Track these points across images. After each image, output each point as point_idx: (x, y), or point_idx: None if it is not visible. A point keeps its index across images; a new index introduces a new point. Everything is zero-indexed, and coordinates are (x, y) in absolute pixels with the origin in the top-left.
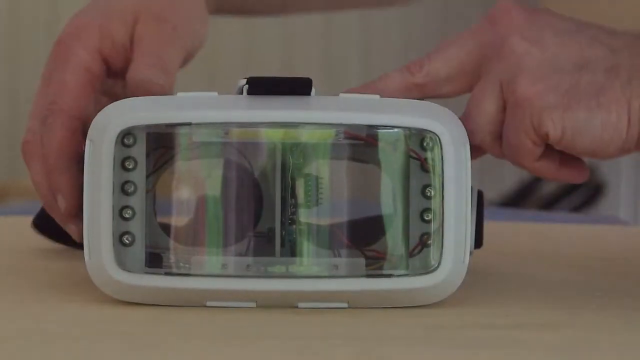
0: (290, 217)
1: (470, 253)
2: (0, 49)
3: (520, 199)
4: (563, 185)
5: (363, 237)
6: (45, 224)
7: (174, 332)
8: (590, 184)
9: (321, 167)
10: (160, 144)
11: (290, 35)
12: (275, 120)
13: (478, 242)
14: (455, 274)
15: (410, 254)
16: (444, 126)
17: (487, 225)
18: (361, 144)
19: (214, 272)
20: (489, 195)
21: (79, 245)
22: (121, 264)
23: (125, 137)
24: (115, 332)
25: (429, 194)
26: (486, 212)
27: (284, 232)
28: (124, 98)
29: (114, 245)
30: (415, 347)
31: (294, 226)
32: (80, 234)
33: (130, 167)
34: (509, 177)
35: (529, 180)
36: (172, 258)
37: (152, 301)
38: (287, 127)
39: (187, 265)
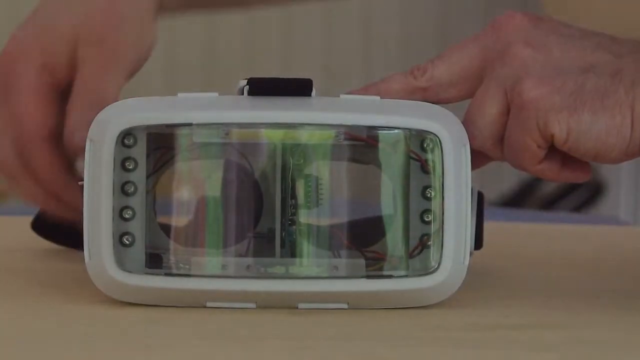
0: (290, 217)
1: (471, 254)
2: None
3: (520, 199)
4: (563, 186)
5: (363, 238)
6: (44, 226)
7: (174, 332)
8: (590, 184)
9: (321, 168)
10: (161, 144)
11: (291, 36)
12: (275, 121)
13: (478, 243)
14: (455, 275)
15: (410, 255)
16: (444, 127)
17: (487, 225)
18: (361, 145)
19: (214, 272)
20: (489, 195)
21: (79, 246)
22: (121, 264)
23: (126, 137)
24: (115, 332)
25: (429, 195)
26: (486, 212)
27: (284, 233)
28: None
29: (114, 245)
30: (415, 348)
31: (294, 227)
32: None
33: (131, 167)
34: (509, 177)
35: (529, 180)
36: (172, 259)
37: (152, 302)
38: (288, 128)
39: (187, 266)
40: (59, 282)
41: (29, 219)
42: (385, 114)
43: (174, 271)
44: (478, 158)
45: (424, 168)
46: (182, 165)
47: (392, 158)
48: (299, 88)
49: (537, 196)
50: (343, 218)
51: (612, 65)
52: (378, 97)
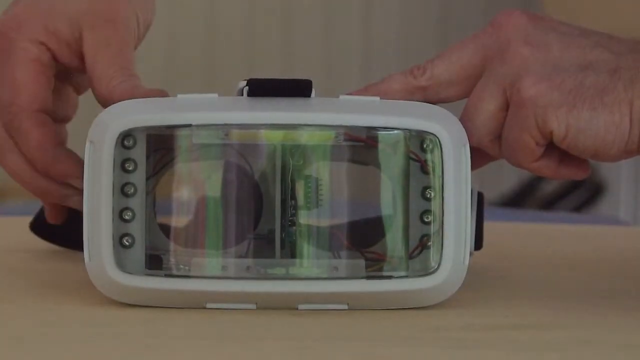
0: (290, 218)
1: (471, 254)
2: None
3: (520, 199)
4: (563, 185)
5: (363, 239)
6: (43, 227)
7: (174, 334)
8: (590, 184)
9: (321, 169)
10: (161, 145)
11: (291, 37)
12: (275, 122)
13: (478, 243)
14: (455, 276)
15: (410, 256)
16: (444, 128)
17: (487, 226)
18: (361, 146)
19: (214, 273)
20: (489, 195)
21: (79, 247)
22: (121, 265)
23: (126, 138)
24: (115, 334)
25: (428, 196)
26: (486, 212)
27: (283, 234)
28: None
29: (113, 247)
30: (415, 349)
31: (294, 228)
32: None
33: (130, 168)
34: (509, 177)
35: (529, 180)
36: (172, 260)
37: (152, 303)
38: (287, 129)
39: (187, 267)
40: (59, 282)
41: (29, 219)
42: (385, 115)
43: (174, 272)
44: (477, 158)
45: (424, 168)
46: (181, 167)
47: (391, 159)
48: (299, 89)
49: (537, 196)
50: (343, 219)
51: (611, 63)
52: (378, 98)
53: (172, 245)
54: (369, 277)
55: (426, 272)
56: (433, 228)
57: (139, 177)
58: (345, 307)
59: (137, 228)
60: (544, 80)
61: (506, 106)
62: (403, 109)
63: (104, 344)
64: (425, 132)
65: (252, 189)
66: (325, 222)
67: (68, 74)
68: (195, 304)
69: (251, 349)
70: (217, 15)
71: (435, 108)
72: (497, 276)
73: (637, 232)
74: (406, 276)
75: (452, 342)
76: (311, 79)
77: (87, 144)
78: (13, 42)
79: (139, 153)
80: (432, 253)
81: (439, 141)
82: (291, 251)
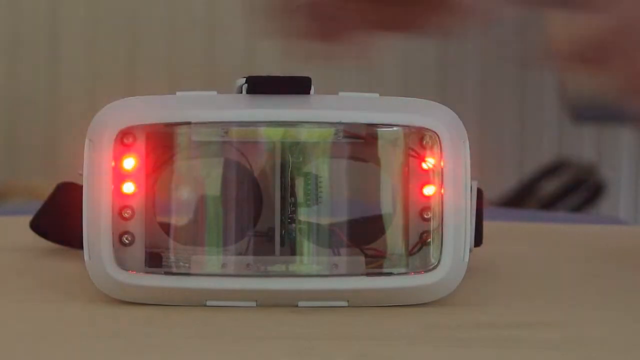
0: (290, 216)
1: (470, 251)
2: (0, 49)
3: (520, 199)
4: (563, 185)
5: (363, 236)
6: (43, 225)
7: (174, 332)
8: (590, 184)
9: (321, 166)
10: (160, 143)
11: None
12: (274, 119)
13: (478, 240)
14: (454, 272)
15: (410, 253)
16: (443, 124)
17: (487, 225)
18: (361, 143)
19: (213, 271)
20: (489, 195)
21: (78, 245)
22: (121, 263)
23: (125, 136)
24: (115, 331)
25: (428, 193)
26: (486, 212)
27: (283, 231)
28: None
29: (113, 245)
30: (415, 346)
31: (294, 225)
32: None
33: (130, 166)
34: (508, 177)
35: (529, 180)
36: (172, 258)
37: (152, 301)
38: (287, 126)
39: (186, 265)
40: (59, 282)
41: (29, 218)
42: (384, 112)
43: (174, 270)
44: None
45: (423, 165)
46: (181, 164)
47: (391, 155)
48: (298, 86)
49: (537, 196)
50: (343, 216)
51: None
52: (377, 95)
53: (171, 243)
54: (368, 274)
55: (426, 268)
56: (433, 225)
57: (138, 175)
58: (345, 304)
59: (136, 226)
60: None
61: None
62: (402, 105)
63: (104, 342)
64: (425, 128)
65: (251, 186)
66: (325, 219)
67: None
68: (195, 301)
69: (251, 346)
70: (217, 15)
71: (435, 104)
72: (497, 275)
73: (637, 232)
74: (406, 273)
75: (451, 340)
76: (310, 76)
77: (87, 142)
78: None
79: (139, 151)
80: (432, 250)
81: (439, 137)
82: (291, 248)
